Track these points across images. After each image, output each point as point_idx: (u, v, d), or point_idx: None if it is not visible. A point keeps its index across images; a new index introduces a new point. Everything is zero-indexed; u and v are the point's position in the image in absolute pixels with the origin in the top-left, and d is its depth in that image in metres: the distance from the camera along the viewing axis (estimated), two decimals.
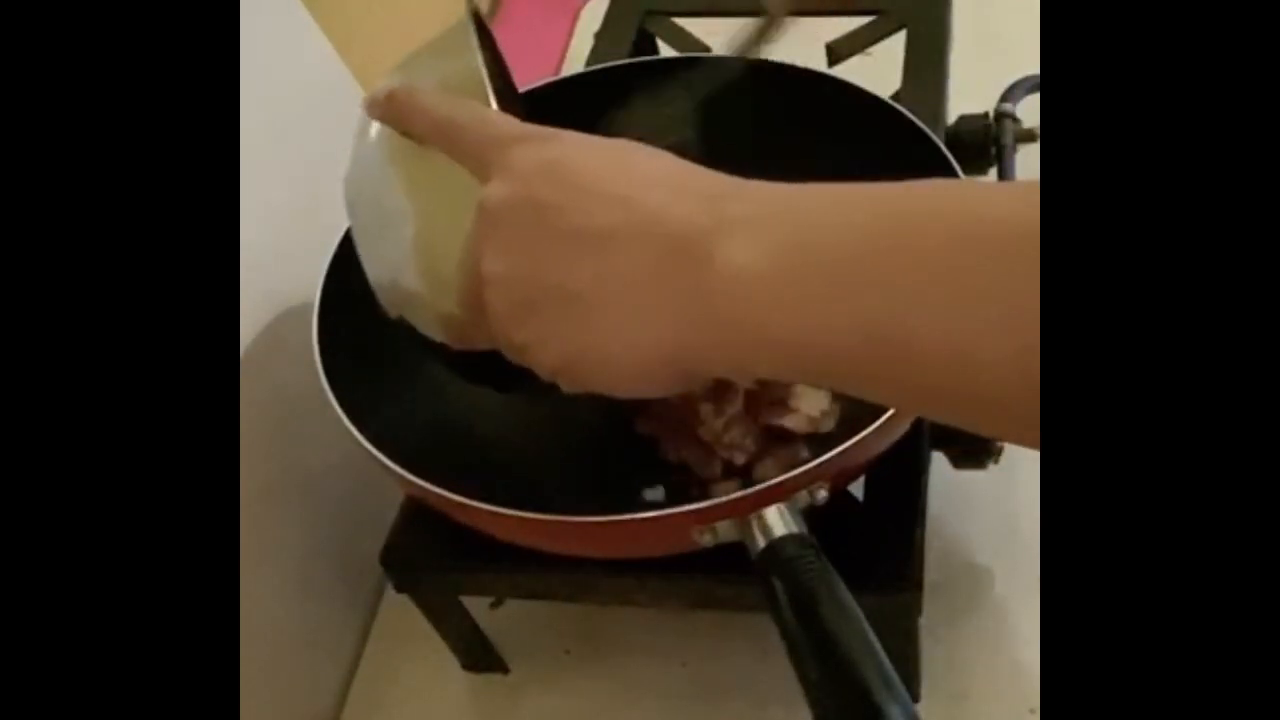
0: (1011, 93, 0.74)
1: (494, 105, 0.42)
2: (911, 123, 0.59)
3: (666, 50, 0.80)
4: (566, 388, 0.38)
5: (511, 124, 0.40)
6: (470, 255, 0.38)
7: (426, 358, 0.46)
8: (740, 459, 0.58)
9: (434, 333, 0.45)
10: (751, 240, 0.33)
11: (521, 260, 0.37)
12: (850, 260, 0.32)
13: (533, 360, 0.38)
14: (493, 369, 0.41)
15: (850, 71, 0.71)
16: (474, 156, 0.40)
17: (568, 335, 0.36)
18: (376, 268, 0.46)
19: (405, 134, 0.43)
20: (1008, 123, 0.72)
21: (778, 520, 0.47)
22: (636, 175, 0.36)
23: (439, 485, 0.50)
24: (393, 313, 0.46)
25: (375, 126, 0.45)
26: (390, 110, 0.44)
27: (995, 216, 0.29)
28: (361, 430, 0.52)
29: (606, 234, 0.35)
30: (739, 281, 0.33)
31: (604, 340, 0.36)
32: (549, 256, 0.36)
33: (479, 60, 0.43)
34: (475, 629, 0.64)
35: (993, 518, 0.65)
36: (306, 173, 0.46)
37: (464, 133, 0.41)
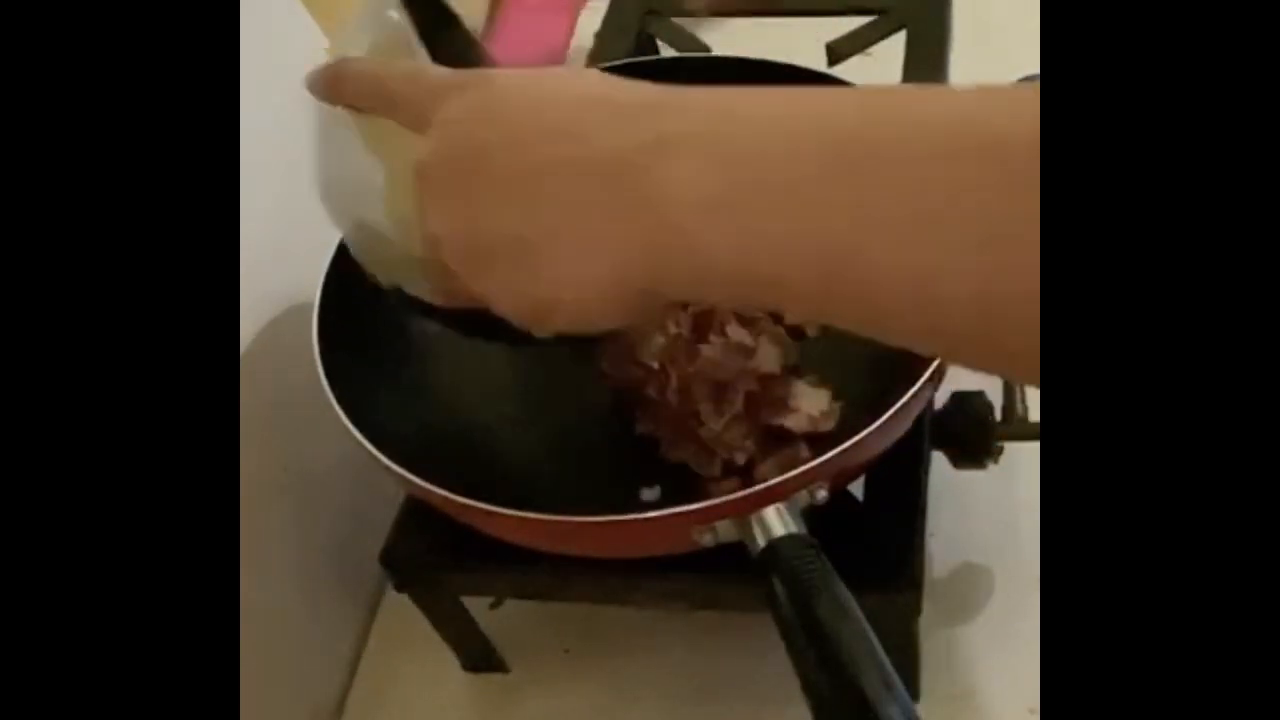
0: None
1: (424, 57, 0.42)
2: None
3: (666, 50, 0.80)
4: (539, 333, 0.37)
5: (440, 74, 0.39)
6: (420, 217, 0.38)
7: (420, 320, 0.46)
8: (740, 459, 0.58)
9: (420, 290, 0.45)
10: (693, 158, 0.32)
11: (463, 212, 0.36)
12: (796, 180, 0.30)
13: (500, 310, 0.37)
14: (483, 321, 0.41)
15: (850, 71, 0.71)
16: (410, 114, 0.39)
17: (523, 281, 0.35)
18: (357, 232, 0.46)
19: (346, 106, 0.43)
20: None
21: (778, 520, 0.47)
22: (569, 101, 0.35)
23: (439, 485, 0.50)
24: (383, 279, 0.46)
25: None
26: (324, 87, 0.43)
27: (971, 129, 0.28)
28: (361, 430, 0.52)
29: (544, 168, 0.34)
30: (682, 203, 0.32)
31: (558, 280, 0.35)
32: (489, 203, 0.35)
33: (401, 13, 0.43)
34: (475, 629, 0.64)
35: (993, 518, 0.65)
36: (307, 172, 0.46)
37: (395, 94, 0.40)
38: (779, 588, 0.46)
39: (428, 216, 0.37)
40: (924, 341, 0.32)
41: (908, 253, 0.28)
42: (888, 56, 0.75)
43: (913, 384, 0.49)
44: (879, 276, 0.29)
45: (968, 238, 0.27)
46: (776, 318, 0.61)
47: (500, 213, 0.35)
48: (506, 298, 0.37)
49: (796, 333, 0.61)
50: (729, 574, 0.51)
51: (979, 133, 0.28)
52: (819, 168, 0.30)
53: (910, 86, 0.31)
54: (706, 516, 0.48)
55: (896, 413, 0.49)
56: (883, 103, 0.31)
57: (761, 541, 0.47)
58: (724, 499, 0.47)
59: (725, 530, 0.49)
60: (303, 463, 0.64)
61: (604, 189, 0.33)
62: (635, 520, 0.49)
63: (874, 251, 0.29)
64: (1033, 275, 0.26)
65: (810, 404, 0.58)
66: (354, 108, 0.43)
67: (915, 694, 0.59)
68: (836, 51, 0.76)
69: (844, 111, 0.31)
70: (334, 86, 0.43)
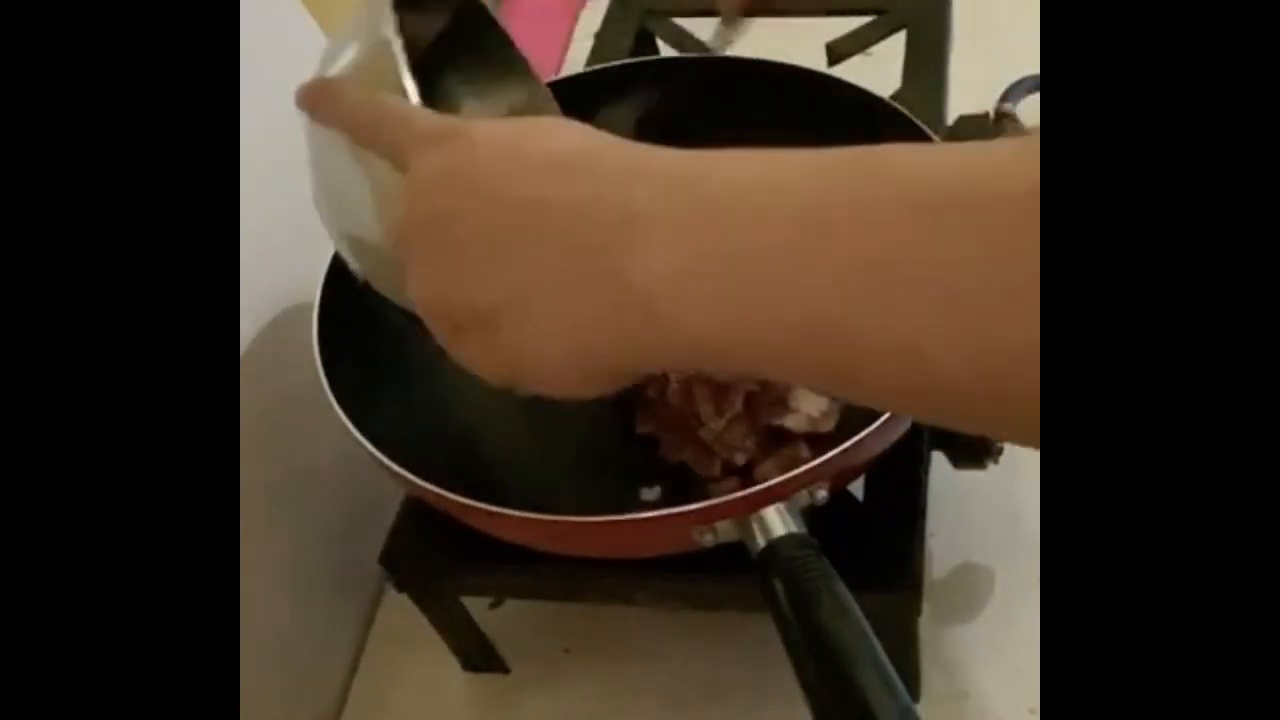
0: (1011, 93, 0.74)
1: (408, 83, 0.41)
2: (911, 123, 0.59)
3: (666, 50, 0.80)
4: (517, 392, 0.37)
5: (414, 125, 0.38)
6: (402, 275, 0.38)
7: (413, 325, 0.46)
8: (740, 459, 0.58)
9: (409, 303, 0.45)
10: (661, 234, 0.31)
11: (437, 283, 0.36)
12: (774, 250, 0.29)
13: (478, 373, 0.37)
14: None
15: (850, 71, 0.71)
16: (390, 155, 0.39)
17: (497, 351, 0.35)
18: (347, 241, 0.46)
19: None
20: (1008, 123, 0.73)
21: (778, 520, 0.47)
22: (533, 165, 0.34)
23: (439, 485, 0.50)
24: (376, 287, 0.46)
25: None
26: (312, 106, 0.43)
27: (953, 185, 0.27)
28: (361, 430, 0.52)
29: (512, 240, 0.34)
30: (650, 281, 0.31)
31: (531, 353, 0.34)
32: (461, 275, 0.35)
33: (395, 29, 0.42)
34: (475, 629, 0.64)
35: (993, 518, 0.64)
36: (306, 173, 0.46)
37: (378, 135, 0.40)
38: (779, 588, 0.46)
39: (409, 282, 0.37)
40: (924, 408, 0.30)
41: (893, 318, 0.27)
42: (888, 56, 0.75)
43: None
44: (865, 344, 0.28)
45: (957, 297, 0.26)
46: None
47: (469, 283, 0.35)
48: (479, 364, 0.36)
49: None
50: (729, 574, 0.51)
51: (963, 187, 0.27)
52: (794, 234, 0.29)
53: (889, 146, 0.30)
54: (706, 516, 0.48)
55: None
56: (856, 162, 0.29)
57: (761, 541, 0.47)
58: (724, 499, 0.47)
59: (725, 530, 0.49)
60: (303, 463, 0.64)
61: (570, 263, 0.32)
62: (635, 520, 0.49)
63: (858, 319, 0.28)
64: (1032, 329, 0.25)
65: (810, 404, 0.58)
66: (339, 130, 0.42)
67: (915, 694, 0.59)
68: (836, 51, 0.77)
69: (815, 173, 0.30)
70: (320, 108, 0.43)
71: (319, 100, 0.43)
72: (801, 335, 0.29)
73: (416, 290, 0.37)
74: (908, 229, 0.27)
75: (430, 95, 0.58)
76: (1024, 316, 0.25)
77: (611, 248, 0.32)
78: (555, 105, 0.58)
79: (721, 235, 0.30)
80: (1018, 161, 0.26)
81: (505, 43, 0.57)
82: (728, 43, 0.61)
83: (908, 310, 0.27)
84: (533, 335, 0.34)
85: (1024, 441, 0.27)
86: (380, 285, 0.46)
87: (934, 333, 0.27)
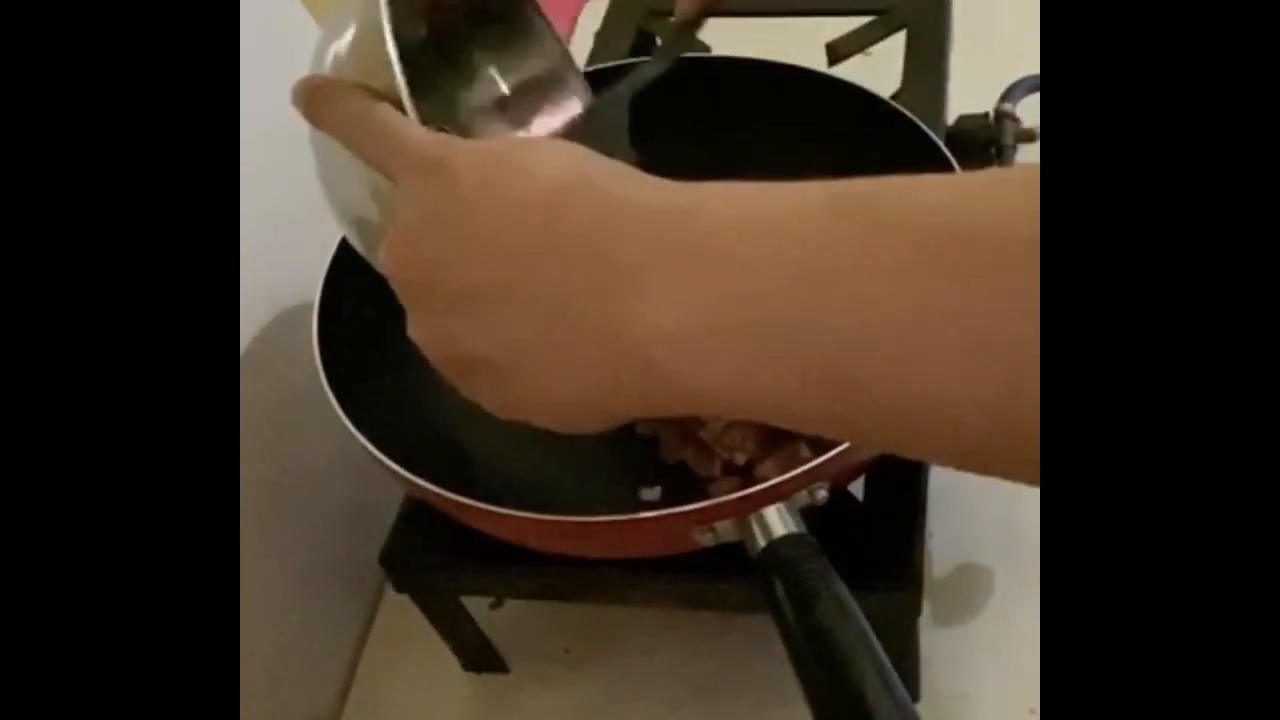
0: (1011, 93, 0.74)
1: (402, 87, 0.40)
2: (911, 123, 0.59)
3: None
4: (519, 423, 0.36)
5: (404, 148, 0.37)
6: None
7: None
8: (740, 459, 0.58)
9: None
10: (656, 292, 0.30)
11: (431, 331, 0.35)
12: (779, 300, 0.28)
13: (484, 406, 0.36)
14: None
15: (850, 71, 0.71)
16: (379, 168, 0.38)
17: (499, 392, 0.35)
18: (350, 221, 0.46)
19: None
20: (1008, 123, 0.73)
21: (777, 520, 0.47)
22: (511, 209, 0.33)
23: (439, 485, 0.50)
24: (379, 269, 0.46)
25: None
26: (305, 106, 0.42)
27: (962, 224, 0.26)
28: (361, 430, 0.52)
29: (496, 292, 0.33)
30: (653, 339, 0.30)
31: (533, 399, 0.34)
32: (451, 321, 0.34)
33: (386, 32, 0.40)
34: (475, 629, 0.64)
35: (993, 518, 0.65)
36: (307, 173, 0.46)
37: (368, 149, 0.39)
38: (779, 588, 0.46)
39: (407, 317, 0.36)
40: (935, 454, 0.30)
41: (911, 368, 0.26)
42: (888, 56, 0.75)
43: None
44: (875, 396, 0.27)
45: (967, 343, 0.25)
46: None
47: (463, 334, 0.34)
48: (484, 401, 0.36)
49: None
50: (729, 574, 0.51)
51: (965, 230, 0.26)
52: (796, 285, 0.28)
53: (886, 183, 0.28)
54: (706, 516, 0.48)
55: None
56: (860, 203, 0.28)
57: (761, 541, 0.47)
58: (724, 499, 0.47)
59: (725, 530, 0.49)
60: (303, 463, 0.64)
61: (563, 317, 0.32)
62: (635, 520, 0.49)
63: (867, 371, 0.27)
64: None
65: None
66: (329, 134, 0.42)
67: (915, 694, 0.59)
68: (836, 51, 0.77)
69: (821, 214, 0.28)
70: (315, 110, 0.42)
71: (314, 100, 0.42)
72: (808, 387, 0.28)
73: (413, 334, 0.36)
74: (910, 277, 0.26)
75: (453, 66, 0.57)
76: (1034, 357, 0.24)
77: (606, 299, 0.31)
78: (579, 74, 0.58)
79: (719, 281, 0.29)
80: (1018, 198, 0.26)
81: (534, 12, 0.56)
82: (685, 45, 0.60)
83: (917, 359, 0.26)
84: (533, 384, 0.33)
85: (1032, 481, 0.26)
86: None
87: (946, 381, 0.26)
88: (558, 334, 0.32)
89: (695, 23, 0.58)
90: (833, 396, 0.28)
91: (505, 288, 0.33)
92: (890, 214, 0.28)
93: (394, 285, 0.36)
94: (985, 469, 0.28)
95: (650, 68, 0.57)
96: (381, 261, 0.36)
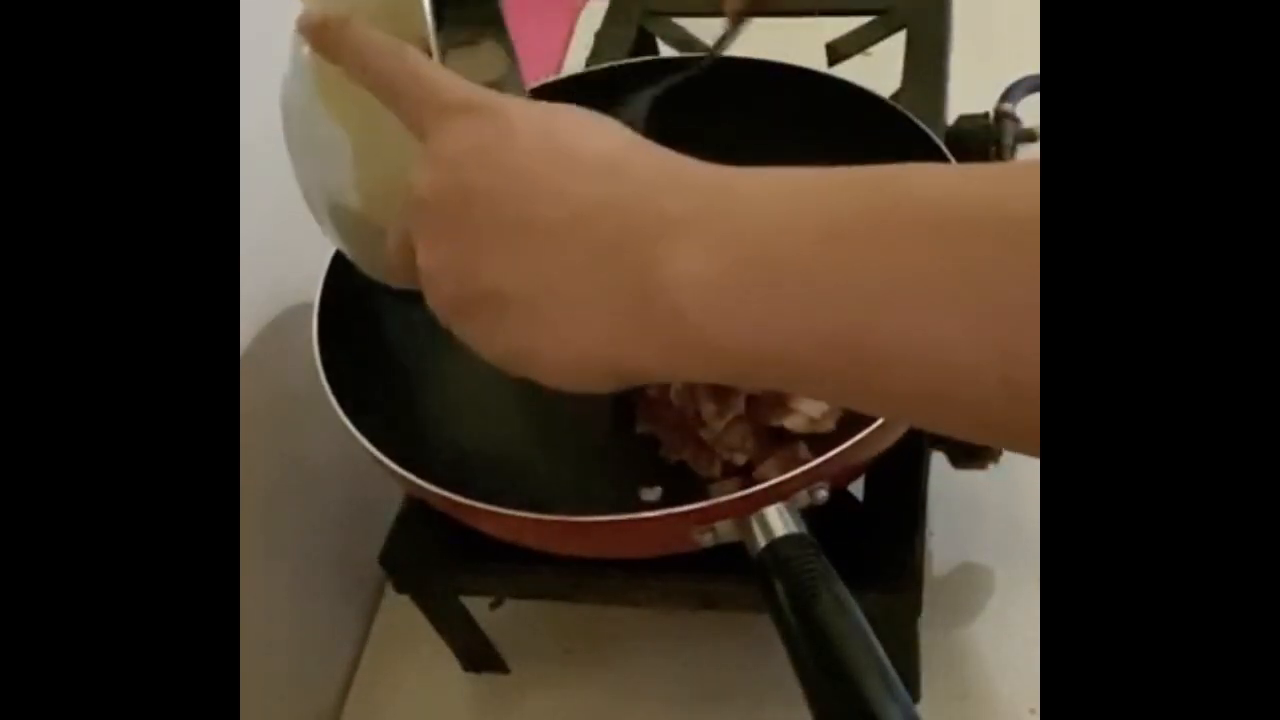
0: (1011, 93, 0.74)
1: (434, 40, 0.39)
2: (911, 123, 0.59)
3: (666, 50, 0.80)
4: (511, 373, 0.37)
5: (448, 90, 0.37)
6: (402, 235, 0.37)
7: (420, 319, 0.46)
8: (740, 459, 0.58)
9: (377, 268, 0.43)
10: (693, 241, 0.31)
11: (453, 256, 0.35)
12: (802, 260, 0.30)
13: (475, 348, 0.37)
14: None
15: (850, 71, 0.71)
16: (409, 117, 0.38)
17: (505, 334, 0.35)
18: (317, 192, 0.45)
19: (335, 65, 0.41)
20: (1008, 123, 0.72)
21: (778, 520, 0.47)
22: (573, 159, 0.34)
23: (439, 485, 0.50)
24: (367, 270, 0.46)
25: (307, 48, 0.43)
26: (322, 42, 0.41)
27: (972, 202, 0.28)
28: (362, 430, 0.52)
29: (540, 229, 0.33)
30: (680, 288, 0.31)
31: (542, 342, 0.34)
32: (480, 252, 0.34)
33: None
34: (475, 629, 0.64)
35: (993, 518, 0.65)
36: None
37: (398, 92, 0.38)
38: (779, 588, 0.46)
39: (418, 249, 0.36)
40: (946, 419, 0.30)
41: (923, 329, 0.28)
42: (888, 56, 0.75)
43: None
44: (891, 354, 0.28)
45: (983, 308, 0.27)
46: None
47: (493, 264, 0.34)
48: (484, 344, 0.36)
49: None
50: (729, 574, 0.51)
51: (976, 205, 0.27)
52: (820, 247, 0.29)
53: (903, 166, 0.31)
54: (706, 516, 0.48)
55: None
56: (878, 179, 0.30)
57: (761, 541, 0.47)
58: (724, 499, 0.47)
59: (725, 530, 0.49)
60: (303, 463, 0.64)
61: (599, 263, 0.33)
62: (635, 520, 0.49)
63: (884, 330, 0.28)
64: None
65: (810, 405, 0.58)
66: (343, 69, 0.41)
67: (915, 694, 0.59)
68: (836, 51, 0.77)
69: (842, 188, 0.30)
70: (332, 48, 0.41)
71: (327, 36, 0.41)
72: (829, 345, 0.29)
73: (425, 260, 0.36)
74: (926, 244, 0.28)
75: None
76: (1033, 325, 0.25)
77: (644, 254, 0.32)
78: (524, 90, 0.57)
79: (752, 246, 0.30)
80: (1022, 183, 0.27)
81: (495, 17, 0.55)
82: (727, 45, 0.61)
83: (933, 321, 0.27)
84: (544, 329, 0.34)
85: (1034, 451, 0.27)
86: (354, 252, 0.45)
87: (958, 342, 0.27)
88: (588, 283, 0.33)
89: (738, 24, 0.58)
90: (850, 354, 0.29)
91: (548, 227, 0.33)
92: (900, 187, 0.30)
93: (418, 207, 0.36)
94: (991, 436, 0.30)
95: (686, 69, 0.57)
96: (413, 183, 0.36)
